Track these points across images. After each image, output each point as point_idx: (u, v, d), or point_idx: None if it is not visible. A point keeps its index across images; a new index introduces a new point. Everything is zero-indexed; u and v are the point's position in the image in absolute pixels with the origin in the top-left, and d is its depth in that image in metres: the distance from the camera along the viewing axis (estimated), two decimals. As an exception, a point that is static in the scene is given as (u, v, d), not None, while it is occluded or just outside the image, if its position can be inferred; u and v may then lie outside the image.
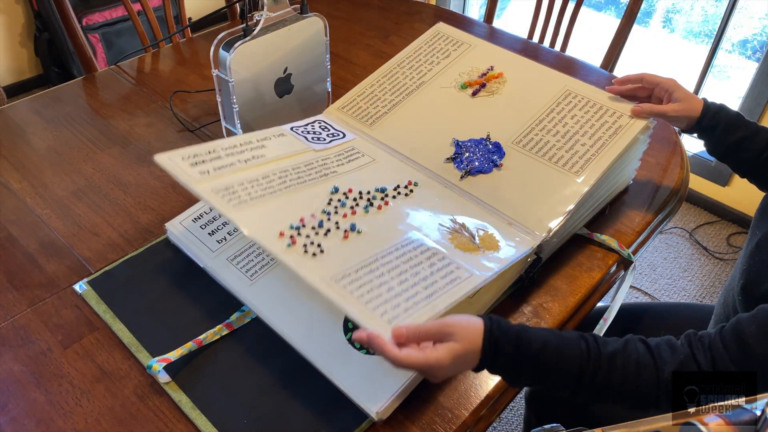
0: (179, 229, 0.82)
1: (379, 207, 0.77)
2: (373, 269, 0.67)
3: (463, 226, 0.78)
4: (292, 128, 0.90)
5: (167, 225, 0.83)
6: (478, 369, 0.62)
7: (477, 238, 0.76)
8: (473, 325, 0.61)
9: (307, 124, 0.92)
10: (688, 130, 0.89)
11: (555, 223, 0.78)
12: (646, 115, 0.88)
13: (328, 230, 0.71)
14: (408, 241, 0.72)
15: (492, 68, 0.99)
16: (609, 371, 0.61)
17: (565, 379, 0.62)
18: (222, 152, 0.78)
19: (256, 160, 0.79)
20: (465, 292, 0.66)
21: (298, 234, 0.69)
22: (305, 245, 0.68)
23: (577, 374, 0.61)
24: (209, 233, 0.81)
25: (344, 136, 0.91)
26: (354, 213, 0.75)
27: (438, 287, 0.66)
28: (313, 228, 0.71)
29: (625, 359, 0.62)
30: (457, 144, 0.89)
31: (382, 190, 0.81)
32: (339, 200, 0.76)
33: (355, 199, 0.77)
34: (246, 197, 0.72)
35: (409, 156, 0.89)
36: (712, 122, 0.85)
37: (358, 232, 0.72)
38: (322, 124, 0.94)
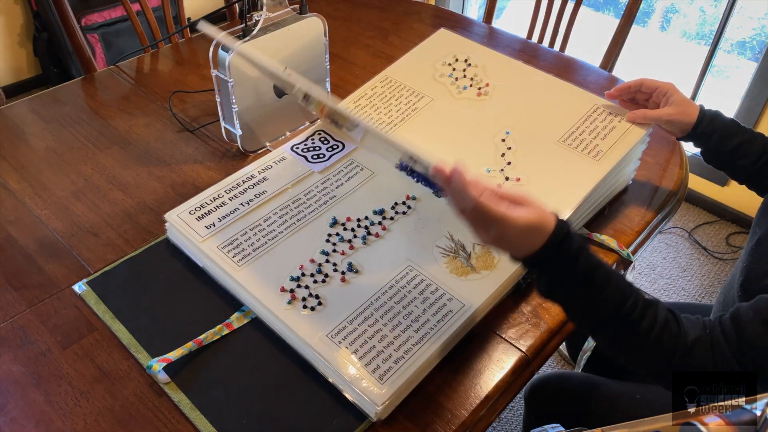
0: (175, 220, 0.82)
1: (377, 234, 0.81)
2: (367, 317, 0.71)
3: (459, 244, 0.79)
4: (292, 148, 0.92)
5: (166, 216, 0.83)
6: (529, 261, 0.61)
7: (473, 257, 0.78)
8: (547, 210, 0.61)
9: (306, 139, 0.94)
10: (685, 138, 0.89)
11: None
12: (641, 120, 0.88)
13: (326, 275, 0.76)
14: (402, 275, 0.76)
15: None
16: (642, 315, 0.62)
17: (605, 303, 0.62)
18: (225, 196, 0.85)
19: (258, 199, 0.85)
20: (455, 328, 0.71)
21: (298, 286, 0.75)
22: (304, 299, 0.73)
23: (617, 304, 0.62)
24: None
25: (343, 147, 0.92)
26: (352, 248, 0.79)
27: (429, 326, 0.71)
28: (312, 275, 0.76)
29: (658, 312, 0.63)
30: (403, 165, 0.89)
31: (380, 212, 0.83)
32: (337, 234, 0.81)
33: (353, 230, 0.81)
34: (249, 249, 0.78)
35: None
36: (708, 129, 0.85)
37: (356, 272, 0.76)
38: (322, 135, 0.94)
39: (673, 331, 0.63)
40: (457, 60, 1.02)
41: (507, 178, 0.85)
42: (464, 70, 1.00)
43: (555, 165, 0.86)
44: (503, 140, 0.90)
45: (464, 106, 0.96)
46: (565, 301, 0.64)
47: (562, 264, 0.61)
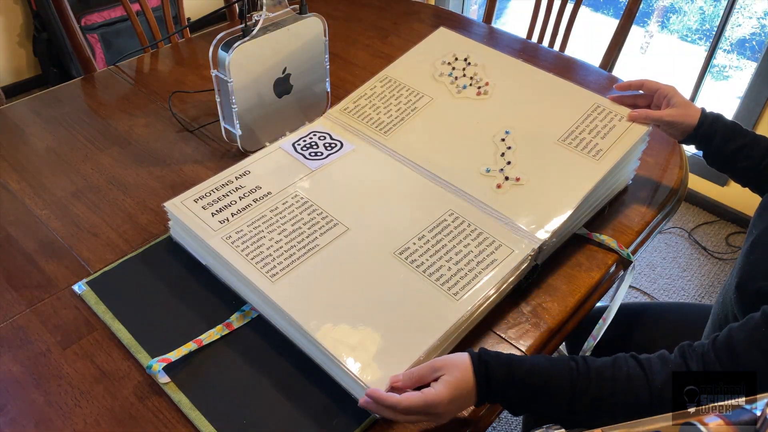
0: (179, 208, 0.81)
1: None
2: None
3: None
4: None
5: (166, 204, 0.82)
6: (478, 401, 0.63)
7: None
8: (461, 357, 0.63)
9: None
10: (686, 140, 0.89)
11: (553, 227, 0.79)
12: (642, 120, 0.88)
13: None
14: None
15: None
16: (600, 384, 0.62)
17: (558, 397, 0.62)
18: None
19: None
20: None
21: None
22: None
23: (569, 391, 0.62)
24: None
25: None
26: None
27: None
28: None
29: (615, 372, 0.62)
30: None
31: None
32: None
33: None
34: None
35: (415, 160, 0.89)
36: (709, 131, 0.85)
37: None
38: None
39: (639, 381, 0.62)
40: (456, 59, 1.02)
41: (507, 178, 0.85)
42: (464, 69, 1.01)
43: (555, 165, 0.86)
44: (503, 140, 0.90)
45: (464, 105, 0.96)
46: (529, 410, 0.65)
47: (501, 389, 0.62)
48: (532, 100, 0.95)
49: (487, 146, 0.90)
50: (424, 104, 0.97)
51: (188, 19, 2.19)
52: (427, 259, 0.76)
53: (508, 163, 0.87)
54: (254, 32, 0.92)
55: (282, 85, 1.00)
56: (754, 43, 2.36)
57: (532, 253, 0.77)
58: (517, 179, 0.85)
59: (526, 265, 0.78)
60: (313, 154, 0.91)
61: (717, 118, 0.86)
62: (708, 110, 0.87)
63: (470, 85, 0.98)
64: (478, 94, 0.97)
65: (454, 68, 1.01)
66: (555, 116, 0.92)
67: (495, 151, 0.89)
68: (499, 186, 0.84)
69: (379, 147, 0.92)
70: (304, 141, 0.93)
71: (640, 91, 0.93)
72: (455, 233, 0.79)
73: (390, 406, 0.61)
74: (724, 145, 0.85)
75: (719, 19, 1.94)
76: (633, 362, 0.63)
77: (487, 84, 0.98)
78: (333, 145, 0.93)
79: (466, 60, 1.02)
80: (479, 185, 0.85)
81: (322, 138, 0.94)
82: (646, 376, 0.62)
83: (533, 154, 0.88)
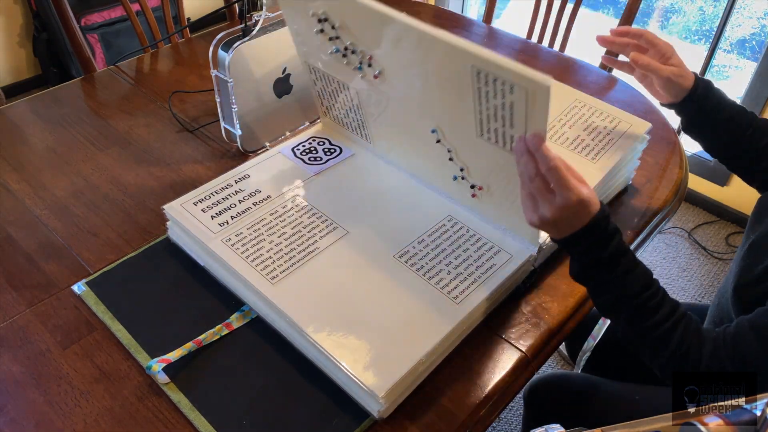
0: (179, 211, 0.81)
1: None
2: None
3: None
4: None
5: (165, 207, 0.83)
6: (574, 234, 0.65)
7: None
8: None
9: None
10: (677, 105, 0.86)
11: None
12: (643, 66, 0.83)
13: None
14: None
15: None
16: (660, 303, 0.68)
17: (633, 284, 0.67)
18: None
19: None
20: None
21: None
22: None
23: (642, 286, 0.67)
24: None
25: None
26: None
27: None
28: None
29: (675, 307, 0.69)
30: None
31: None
32: None
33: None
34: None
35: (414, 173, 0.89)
36: (705, 93, 0.83)
37: None
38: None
39: (692, 325, 0.68)
40: (324, 18, 0.77)
41: (473, 186, 0.79)
42: (337, 38, 0.77)
43: (499, 169, 0.73)
44: (438, 141, 0.77)
45: (379, 95, 0.80)
46: (595, 281, 0.69)
47: (599, 240, 0.66)
48: (420, 76, 0.72)
49: (434, 149, 0.79)
50: (356, 93, 0.83)
51: (188, 19, 2.19)
52: (427, 263, 0.76)
53: (461, 169, 0.78)
54: (254, 32, 0.92)
55: (282, 85, 1.00)
56: (754, 43, 2.36)
57: (530, 259, 0.77)
58: (480, 188, 0.78)
59: (524, 269, 0.78)
60: (312, 159, 0.91)
61: (709, 84, 0.84)
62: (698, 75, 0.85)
63: (360, 63, 0.77)
64: (376, 77, 0.77)
65: (330, 38, 0.78)
66: (450, 99, 0.70)
67: (444, 154, 0.79)
68: (474, 196, 0.80)
69: (374, 152, 0.92)
70: (303, 146, 0.93)
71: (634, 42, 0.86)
72: (454, 238, 0.79)
73: (543, 156, 0.61)
74: (715, 113, 0.83)
75: (719, 19, 1.94)
76: (694, 316, 0.70)
77: (370, 58, 0.75)
78: (332, 151, 0.93)
79: (326, 21, 0.76)
80: (459, 194, 0.83)
81: (321, 143, 0.94)
82: (699, 328, 0.69)
83: (475, 157, 0.75)
